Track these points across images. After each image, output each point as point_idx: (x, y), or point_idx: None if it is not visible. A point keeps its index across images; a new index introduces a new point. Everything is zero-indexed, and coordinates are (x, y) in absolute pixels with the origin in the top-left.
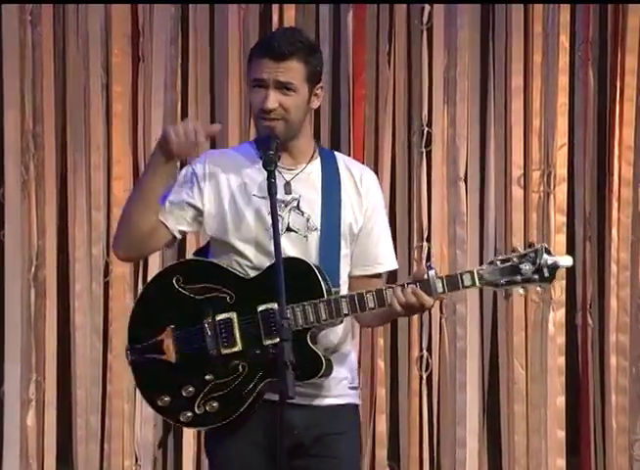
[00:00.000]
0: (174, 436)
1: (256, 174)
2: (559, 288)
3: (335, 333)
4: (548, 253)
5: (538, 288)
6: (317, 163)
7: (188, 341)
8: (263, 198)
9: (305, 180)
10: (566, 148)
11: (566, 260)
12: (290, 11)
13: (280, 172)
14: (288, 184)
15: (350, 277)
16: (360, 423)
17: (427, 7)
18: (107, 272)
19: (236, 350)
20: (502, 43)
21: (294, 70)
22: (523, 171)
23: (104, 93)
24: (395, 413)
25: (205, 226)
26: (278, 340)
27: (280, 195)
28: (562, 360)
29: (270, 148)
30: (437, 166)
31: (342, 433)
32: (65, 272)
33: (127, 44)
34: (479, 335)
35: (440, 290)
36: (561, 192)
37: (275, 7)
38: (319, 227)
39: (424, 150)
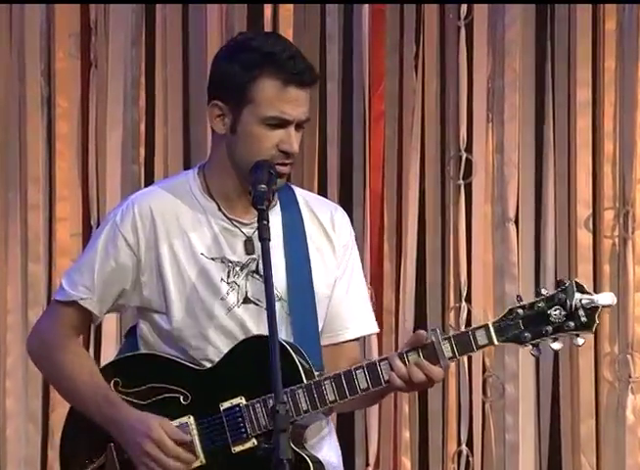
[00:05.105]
0: None
1: (200, 226)
2: None
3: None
4: (582, 290)
5: (579, 339)
6: (277, 209)
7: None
8: (213, 259)
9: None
10: None
11: (606, 298)
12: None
13: (237, 226)
14: (249, 241)
15: None
16: None
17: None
18: None
19: (197, 464)
20: (564, 44)
21: (309, 102)
22: (591, 211)
23: (44, 109)
24: None
25: (143, 300)
26: (250, 445)
27: (237, 256)
28: None
29: (263, 181)
30: (479, 204)
31: None
32: None
33: (75, 46)
34: (534, 424)
35: (450, 354)
36: None
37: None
38: (284, 296)
39: (462, 182)
